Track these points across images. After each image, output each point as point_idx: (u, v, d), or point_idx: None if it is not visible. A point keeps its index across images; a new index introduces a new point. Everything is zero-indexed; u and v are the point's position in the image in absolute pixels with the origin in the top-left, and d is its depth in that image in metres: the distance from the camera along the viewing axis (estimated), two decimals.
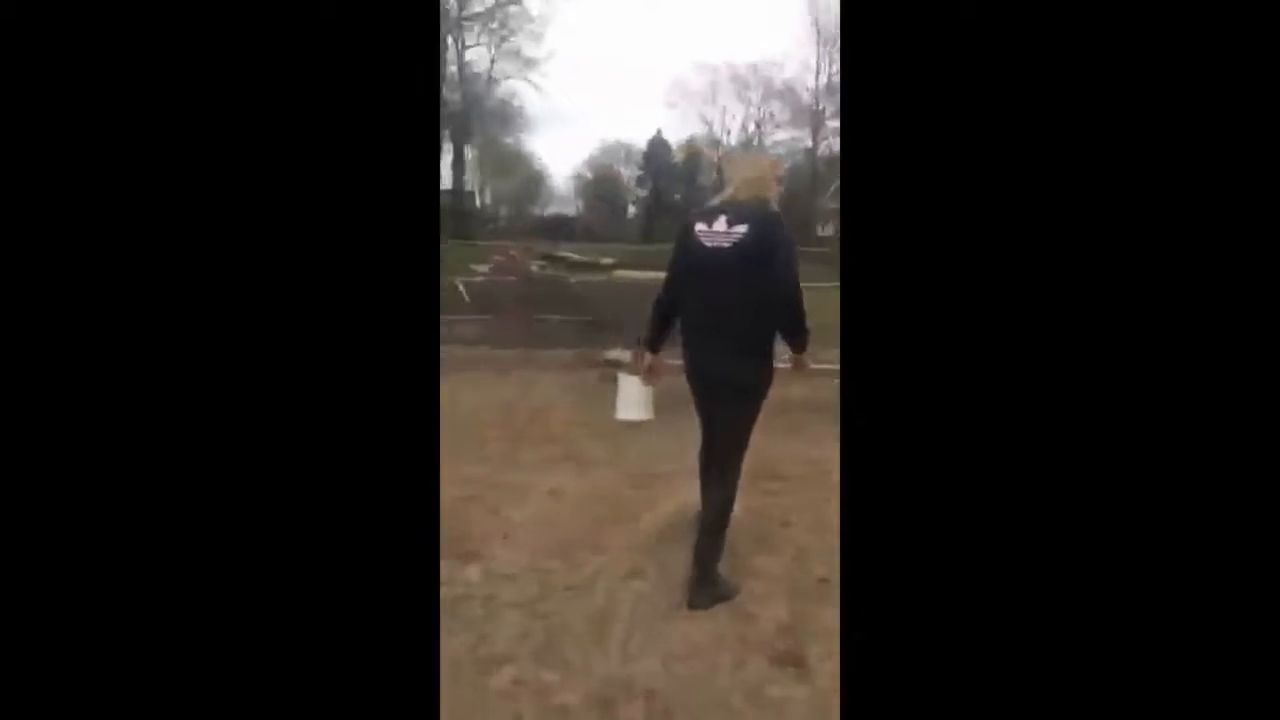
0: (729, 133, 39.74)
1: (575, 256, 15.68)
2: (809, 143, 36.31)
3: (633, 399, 4.28)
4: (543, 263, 12.63)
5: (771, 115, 37.49)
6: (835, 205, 34.08)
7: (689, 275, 2.15)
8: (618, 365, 5.11)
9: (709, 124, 39.77)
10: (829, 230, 33.68)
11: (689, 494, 3.04)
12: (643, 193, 43.24)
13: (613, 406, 4.36)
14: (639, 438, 3.94)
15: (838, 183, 34.19)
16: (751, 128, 38.21)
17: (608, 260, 15.58)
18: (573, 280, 9.56)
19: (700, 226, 2.13)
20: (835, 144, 34.80)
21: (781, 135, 37.68)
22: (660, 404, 4.41)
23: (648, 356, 2.38)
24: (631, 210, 43.78)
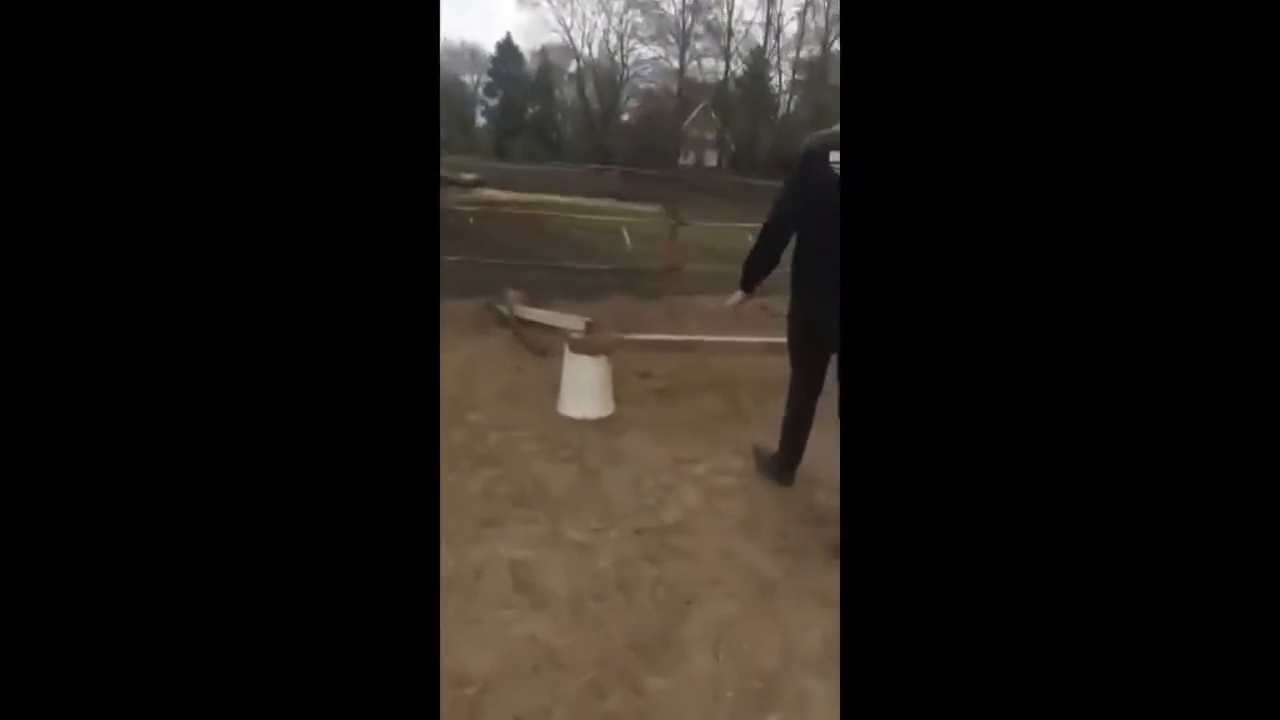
0: (590, 45, 37.47)
1: None
2: (675, 63, 34.99)
3: (586, 387, 3.04)
4: None
5: (634, 29, 35.65)
6: (699, 133, 33.29)
7: (814, 210, 1.89)
8: (545, 330, 3.79)
9: (567, 30, 37.23)
10: (690, 159, 32.92)
11: (747, 579, 1.82)
12: (492, 102, 40.16)
13: (557, 396, 3.10)
14: (610, 448, 2.73)
15: (702, 106, 33.35)
16: (614, 40, 36.24)
17: (469, 176, 13.65)
18: (466, 211, 7.81)
19: (835, 157, 1.85)
20: (701, 65, 33.74)
21: (646, 52, 36.03)
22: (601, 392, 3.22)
23: (739, 294, 2.20)
24: (481, 121, 40.68)
